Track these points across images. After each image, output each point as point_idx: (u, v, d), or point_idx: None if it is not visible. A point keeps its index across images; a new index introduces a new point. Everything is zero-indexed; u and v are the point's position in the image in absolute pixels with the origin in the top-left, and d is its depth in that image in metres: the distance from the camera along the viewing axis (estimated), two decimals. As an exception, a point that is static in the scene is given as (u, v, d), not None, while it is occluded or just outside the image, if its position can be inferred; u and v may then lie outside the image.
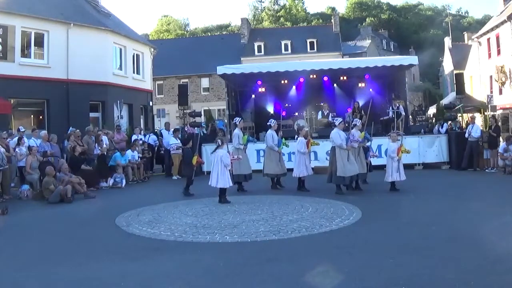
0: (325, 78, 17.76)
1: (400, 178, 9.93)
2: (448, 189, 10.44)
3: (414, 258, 5.22)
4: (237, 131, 11.06)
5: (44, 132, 13.44)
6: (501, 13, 30.46)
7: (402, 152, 9.87)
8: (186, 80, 41.71)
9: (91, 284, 4.79)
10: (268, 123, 11.38)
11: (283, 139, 11.19)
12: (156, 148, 16.66)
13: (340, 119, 10.63)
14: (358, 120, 10.98)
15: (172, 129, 16.09)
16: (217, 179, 9.02)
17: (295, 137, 11.74)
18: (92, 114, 20.67)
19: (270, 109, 18.88)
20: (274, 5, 77.05)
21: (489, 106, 23.74)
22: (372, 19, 70.82)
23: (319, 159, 14.13)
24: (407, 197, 9.44)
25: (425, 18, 74.92)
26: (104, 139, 14.23)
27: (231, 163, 9.36)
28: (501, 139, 14.52)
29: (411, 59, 16.78)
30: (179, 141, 14.79)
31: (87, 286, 4.77)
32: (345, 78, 17.75)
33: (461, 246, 5.67)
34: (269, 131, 11.13)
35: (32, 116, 19.37)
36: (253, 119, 18.21)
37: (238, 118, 11.65)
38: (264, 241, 6.26)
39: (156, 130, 20.02)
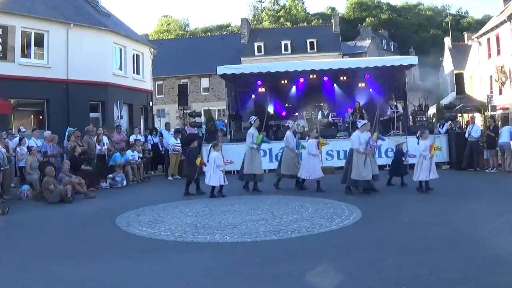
0: (325, 78, 17.76)
1: (431, 176, 9.53)
2: (448, 189, 10.42)
3: (414, 258, 5.22)
4: (251, 130, 10.87)
5: (48, 133, 13.41)
6: (501, 13, 30.48)
7: (434, 149, 9.52)
8: (186, 80, 41.72)
9: (91, 284, 4.79)
10: (286, 125, 11.39)
11: (301, 141, 11.04)
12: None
13: (363, 121, 10.36)
14: (361, 121, 10.75)
15: (173, 129, 16.10)
16: (210, 178, 9.89)
17: (306, 138, 11.51)
18: (92, 114, 20.67)
19: (270, 109, 18.89)
20: (274, 5, 77.10)
21: (489, 106, 23.74)
22: (372, 19, 70.86)
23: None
24: (407, 197, 9.43)
25: (425, 18, 75.01)
26: (104, 139, 14.23)
27: (225, 164, 10.09)
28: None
29: (411, 59, 16.77)
30: (178, 141, 14.80)
31: (87, 286, 4.77)
32: (345, 78, 17.74)
33: (461, 246, 5.67)
34: (288, 132, 11.04)
35: (32, 116, 19.38)
36: (253, 119, 18.18)
37: (254, 117, 11.45)
38: (264, 241, 6.25)
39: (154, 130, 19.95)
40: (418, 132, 10.23)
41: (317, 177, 10.43)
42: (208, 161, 10.18)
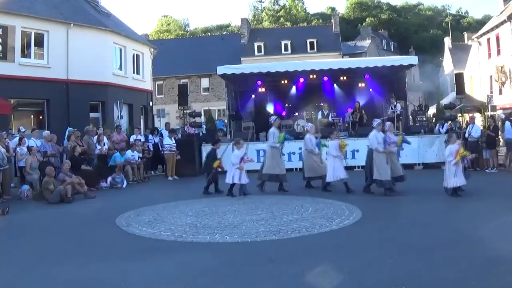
0: (325, 78, 17.77)
1: (458, 183, 8.97)
2: (448, 189, 10.42)
3: (414, 258, 5.23)
4: (273, 130, 10.84)
5: (47, 132, 13.43)
6: (501, 13, 30.49)
7: (460, 155, 8.87)
8: (186, 80, 41.72)
9: (91, 284, 4.79)
10: (305, 127, 11.43)
11: (322, 140, 11.00)
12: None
13: (378, 121, 10.17)
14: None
15: (170, 130, 16.14)
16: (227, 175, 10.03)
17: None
18: (92, 114, 20.67)
19: (270, 109, 18.90)
20: (274, 5, 77.08)
21: (489, 106, 23.73)
22: (372, 19, 70.83)
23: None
24: (407, 197, 9.43)
25: (425, 18, 75.01)
26: (104, 139, 14.23)
27: (244, 162, 9.95)
28: (500, 139, 14.52)
29: (411, 59, 16.78)
30: (173, 141, 14.84)
31: (87, 286, 4.77)
32: (345, 78, 17.75)
33: (461, 246, 5.67)
34: (307, 135, 10.98)
35: (32, 116, 19.37)
36: (253, 119, 18.22)
37: (274, 117, 11.46)
38: (264, 241, 6.25)
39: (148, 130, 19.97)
40: (446, 136, 9.93)
41: (342, 177, 10.21)
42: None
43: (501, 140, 14.69)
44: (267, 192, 10.52)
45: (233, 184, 9.96)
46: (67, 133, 13.94)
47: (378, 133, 9.78)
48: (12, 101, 17.22)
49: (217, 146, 11.15)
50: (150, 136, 16.77)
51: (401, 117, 15.86)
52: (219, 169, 10.57)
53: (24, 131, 13.40)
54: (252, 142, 12.21)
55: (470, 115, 22.93)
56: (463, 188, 9.14)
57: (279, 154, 10.82)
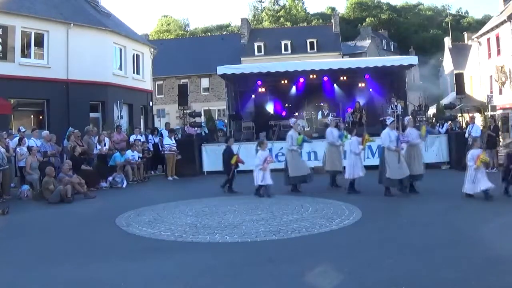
0: (325, 78, 17.78)
1: (476, 189, 8.69)
2: (448, 189, 10.41)
3: (414, 258, 5.23)
4: (291, 132, 10.79)
5: (46, 132, 13.43)
6: (501, 13, 30.48)
7: (481, 161, 8.63)
8: (186, 80, 41.71)
9: (91, 284, 4.80)
10: (327, 122, 11.60)
11: (345, 131, 11.05)
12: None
13: (392, 118, 10.06)
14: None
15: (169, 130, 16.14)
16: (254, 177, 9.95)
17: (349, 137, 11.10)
18: (92, 114, 20.65)
19: (270, 109, 18.90)
20: (274, 5, 77.04)
21: (489, 106, 23.74)
22: (372, 19, 70.80)
23: (319, 158, 14.10)
24: (407, 197, 9.41)
25: (425, 18, 74.99)
26: (106, 140, 14.23)
27: (266, 163, 9.80)
28: (501, 139, 14.51)
29: (411, 59, 16.79)
30: (173, 141, 14.84)
31: (87, 286, 4.77)
32: (345, 78, 17.76)
33: (461, 246, 5.67)
34: (329, 129, 11.10)
35: (32, 116, 19.36)
36: (253, 119, 18.22)
37: (293, 120, 11.51)
38: (264, 241, 6.26)
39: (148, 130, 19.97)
40: (471, 139, 9.71)
41: (357, 176, 10.18)
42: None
43: (501, 140, 14.68)
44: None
45: (260, 186, 9.87)
46: (68, 133, 13.93)
47: (391, 131, 9.62)
48: (12, 101, 17.21)
49: (230, 143, 11.19)
50: (150, 136, 16.76)
51: (401, 117, 15.84)
52: (240, 163, 10.59)
53: (24, 131, 13.39)
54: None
55: (470, 115, 22.95)
56: (486, 193, 8.76)
57: (299, 156, 10.86)
